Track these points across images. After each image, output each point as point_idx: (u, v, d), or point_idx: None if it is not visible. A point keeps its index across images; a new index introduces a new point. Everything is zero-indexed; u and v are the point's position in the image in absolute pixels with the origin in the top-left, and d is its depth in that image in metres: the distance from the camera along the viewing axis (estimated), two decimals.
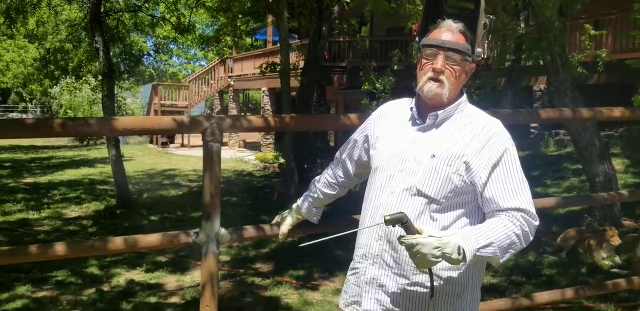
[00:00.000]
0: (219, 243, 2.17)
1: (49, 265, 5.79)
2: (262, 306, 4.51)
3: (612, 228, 5.20)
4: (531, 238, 1.81)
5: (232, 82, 21.41)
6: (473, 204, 1.87)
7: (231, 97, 21.73)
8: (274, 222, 2.33)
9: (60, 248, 1.93)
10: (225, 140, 22.75)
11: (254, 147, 20.39)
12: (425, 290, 1.85)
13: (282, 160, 12.61)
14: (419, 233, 1.66)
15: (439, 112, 1.87)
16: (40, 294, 4.92)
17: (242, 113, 21.19)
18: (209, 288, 2.14)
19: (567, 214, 6.62)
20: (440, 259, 1.66)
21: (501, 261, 1.78)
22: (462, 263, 1.69)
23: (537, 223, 1.81)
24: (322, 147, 12.97)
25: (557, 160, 9.39)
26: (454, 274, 1.85)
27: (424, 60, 1.88)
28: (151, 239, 2.10)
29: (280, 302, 4.61)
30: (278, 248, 6.42)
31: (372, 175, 2.01)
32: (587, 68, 7.33)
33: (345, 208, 2.54)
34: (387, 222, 1.64)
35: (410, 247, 1.65)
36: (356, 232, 1.99)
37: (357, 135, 2.12)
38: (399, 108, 2.02)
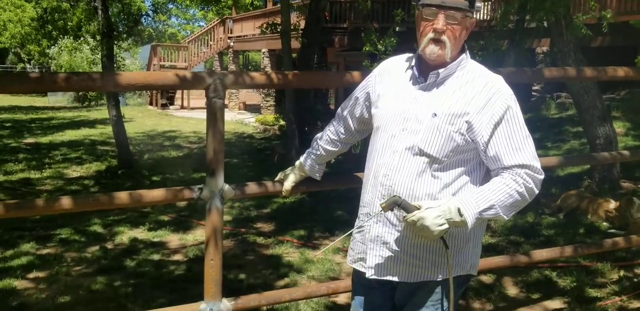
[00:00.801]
0: (223, 199, 2.19)
1: (52, 223, 5.87)
2: (264, 264, 4.59)
3: (607, 200, 5.26)
4: (536, 192, 1.83)
5: (231, 43, 21.14)
6: (474, 161, 1.88)
7: (231, 58, 21.50)
8: (276, 178, 2.35)
9: (66, 202, 1.95)
10: (225, 102, 22.66)
11: (254, 109, 20.32)
12: (427, 245, 1.88)
13: (282, 123, 12.57)
14: (417, 209, 1.72)
15: (440, 71, 1.85)
16: (45, 251, 5.00)
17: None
18: (213, 242, 2.18)
19: (567, 176, 6.66)
20: (445, 226, 1.71)
21: (506, 218, 1.81)
22: (469, 227, 1.73)
23: (542, 177, 1.83)
24: (323, 110, 12.92)
25: (558, 123, 9.38)
26: (456, 229, 1.87)
27: (423, 22, 1.86)
28: (156, 194, 2.12)
29: (281, 260, 4.69)
30: (279, 208, 6.49)
31: (374, 134, 2.01)
32: (591, 30, 7.23)
33: (348, 168, 2.55)
34: (384, 209, 1.74)
35: (414, 224, 1.71)
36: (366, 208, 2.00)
37: (358, 92, 2.11)
38: (400, 66, 2.00)
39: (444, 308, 1.94)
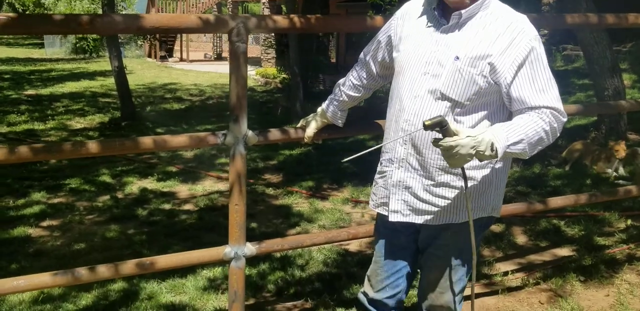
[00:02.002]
0: (247, 145, 2.19)
1: (60, 173, 5.91)
2: (275, 214, 4.65)
3: (618, 142, 5.25)
4: (558, 134, 1.83)
5: None
6: (497, 104, 1.86)
7: (230, 9, 21.06)
8: (298, 125, 2.34)
9: (93, 145, 1.95)
10: (225, 54, 22.34)
11: (254, 62, 20.03)
12: (449, 189, 1.90)
13: (283, 75, 12.45)
14: (455, 134, 1.66)
15: (462, 11, 1.80)
16: (56, 200, 5.05)
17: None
18: (237, 187, 2.19)
19: (573, 128, 6.66)
20: (473, 157, 1.69)
21: (527, 157, 1.80)
22: (493, 159, 1.72)
23: (565, 119, 1.82)
24: (325, 62, 12.77)
25: (564, 75, 9.27)
26: (479, 172, 1.89)
27: None
28: (180, 140, 2.12)
29: (291, 210, 4.74)
30: (285, 160, 6.51)
31: (395, 79, 1.98)
32: None
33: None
34: (426, 127, 1.64)
35: (448, 149, 1.66)
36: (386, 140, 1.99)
37: (380, 36, 2.07)
38: (422, 8, 1.94)
39: (466, 250, 1.98)
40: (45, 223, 4.43)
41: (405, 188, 1.95)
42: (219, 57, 22.72)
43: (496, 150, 1.66)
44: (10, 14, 1.73)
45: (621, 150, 5.11)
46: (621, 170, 5.21)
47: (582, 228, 4.07)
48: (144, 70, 17.82)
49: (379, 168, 2.08)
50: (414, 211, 1.95)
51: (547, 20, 2.45)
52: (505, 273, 3.39)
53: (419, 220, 1.96)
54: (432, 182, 1.91)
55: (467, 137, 1.64)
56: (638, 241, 3.78)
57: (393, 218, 1.99)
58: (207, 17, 2.01)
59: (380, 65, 2.10)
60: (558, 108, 1.79)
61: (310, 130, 2.29)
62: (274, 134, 2.25)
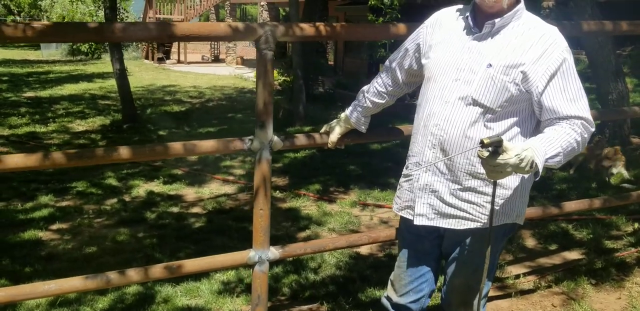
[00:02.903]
0: (272, 150, 2.21)
1: (66, 176, 5.90)
2: (283, 217, 4.67)
3: (615, 149, 5.33)
4: (586, 144, 1.88)
5: None
6: (526, 112, 1.89)
7: (228, 11, 21.08)
8: (322, 130, 2.37)
9: (124, 151, 1.97)
10: (222, 56, 22.35)
11: (252, 64, 20.07)
12: (476, 194, 1.93)
13: (284, 78, 12.47)
14: (505, 152, 1.65)
15: (496, 20, 1.84)
16: (64, 203, 5.06)
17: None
18: (262, 192, 2.21)
19: None
20: (512, 174, 1.70)
21: (557, 167, 1.84)
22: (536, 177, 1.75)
23: (593, 129, 1.86)
24: (325, 65, 12.81)
25: None
26: (505, 179, 1.90)
27: None
28: (208, 145, 2.15)
29: (300, 213, 4.76)
30: (291, 163, 6.53)
31: (424, 85, 2.02)
32: None
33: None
34: (484, 145, 1.62)
35: (496, 166, 1.66)
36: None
37: (408, 44, 2.11)
38: (453, 16, 1.98)
39: (489, 256, 2.01)
40: (55, 227, 4.43)
41: (432, 192, 1.98)
42: (216, 59, 22.72)
43: (536, 166, 1.69)
44: (46, 22, 1.75)
45: (619, 154, 5.21)
46: (625, 174, 5.26)
47: (590, 231, 4.11)
48: (141, 72, 17.80)
49: (404, 172, 2.10)
50: (439, 215, 1.98)
51: (565, 27, 2.49)
52: (517, 276, 3.42)
53: (444, 224, 1.99)
54: (459, 187, 1.94)
55: (515, 156, 1.64)
56: None
57: (418, 221, 2.02)
58: (236, 25, 2.03)
59: (406, 73, 2.13)
60: (588, 119, 1.83)
61: (334, 136, 2.31)
62: (300, 140, 2.28)
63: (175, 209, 4.92)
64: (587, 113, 1.84)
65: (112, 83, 12.35)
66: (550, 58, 1.81)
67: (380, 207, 4.89)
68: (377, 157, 6.56)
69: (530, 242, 4.02)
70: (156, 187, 5.60)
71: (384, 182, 5.48)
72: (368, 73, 13.29)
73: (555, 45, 1.83)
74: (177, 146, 2.05)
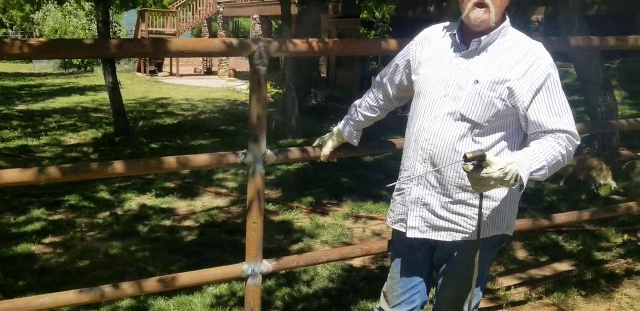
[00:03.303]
0: (265, 163, 2.24)
1: (58, 189, 5.89)
2: (276, 230, 4.68)
3: (598, 160, 5.41)
4: (572, 157, 1.91)
5: (221, 9, 20.81)
6: (514, 126, 1.94)
7: (220, 24, 21.20)
8: (315, 144, 2.40)
9: (118, 166, 1.99)
10: (214, 69, 22.43)
11: (244, 76, 20.15)
12: (466, 207, 1.97)
13: (276, 90, 12.53)
14: (489, 166, 1.70)
15: (482, 38, 1.89)
16: (56, 217, 5.04)
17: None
18: (255, 206, 2.24)
19: None
20: (498, 186, 1.75)
21: (543, 179, 1.88)
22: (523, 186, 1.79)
23: (578, 142, 1.90)
24: (317, 78, 12.89)
25: None
26: (495, 191, 1.95)
27: None
28: (202, 159, 2.17)
29: (293, 226, 4.78)
30: (283, 175, 6.56)
31: (414, 100, 2.06)
32: None
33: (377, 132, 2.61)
34: (467, 159, 1.68)
35: (481, 179, 1.71)
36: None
37: (398, 60, 2.15)
38: (441, 34, 2.03)
39: (480, 267, 2.04)
40: (47, 240, 4.42)
41: (424, 205, 2.01)
42: (208, 72, 22.80)
43: (520, 180, 1.73)
44: (42, 39, 1.79)
45: (603, 165, 5.29)
46: (614, 185, 5.32)
47: (580, 243, 4.15)
48: (134, 85, 17.82)
49: (397, 186, 2.13)
50: (431, 227, 2.01)
51: (553, 43, 2.55)
52: (508, 288, 3.45)
53: (435, 236, 2.02)
54: (450, 200, 1.97)
55: (499, 169, 1.69)
56: (636, 256, 3.86)
57: (411, 234, 2.05)
58: (230, 41, 2.07)
59: (397, 88, 2.17)
60: (573, 132, 1.87)
61: (327, 149, 2.35)
62: (293, 153, 2.31)
63: (167, 222, 4.92)
64: (572, 127, 1.88)
65: (104, 96, 12.35)
66: (535, 73, 1.86)
67: (372, 218, 4.92)
68: (370, 169, 6.60)
69: (521, 254, 4.06)
70: (148, 200, 5.60)
71: (376, 194, 5.51)
72: (360, 86, 13.38)
73: (540, 61, 1.88)
74: (170, 160, 2.08)
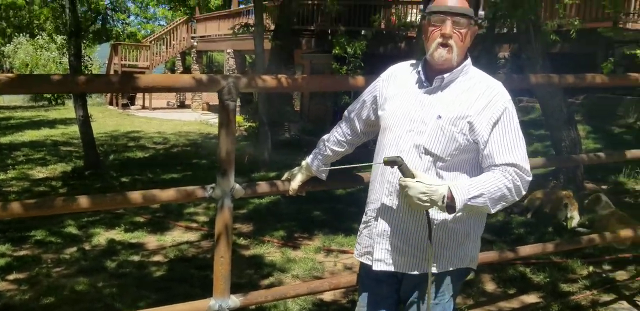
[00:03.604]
0: (234, 198, 2.26)
1: (24, 224, 5.77)
2: (247, 264, 4.64)
3: (566, 193, 5.53)
4: (523, 192, 1.96)
5: (195, 43, 21.00)
6: (475, 161, 2.00)
7: (194, 58, 21.36)
8: (284, 178, 2.43)
9: (84, 201, 1.99)
10: (188, 102, 22.46)
11: (216, 110, 20.20)
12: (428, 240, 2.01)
13: (249, 124, 12.60)
14: (412, 177, 1.84)
15: (445, 75, 1.98)
16: (22, 253, 4.93)
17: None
18: (224, 240, 2.24)
19: (534, 177, 6.89)
20: (429, 204, 1.83)
21: (492, 211, 1.93)
22: (456, 212, 1.85)
23: (529, 178, 1.96)
24: (291, 111, 13.00)
25: (521, 126, 9.66)
26: (456, 224, 2.00)
27: (431, 28, 1.97)
28: (169, 194, 2.17)
29: (263, 260, 4.75)
30: (255, 209, 6.53)
31: (381, 134, 2.12)
32: (557, 36, 7.54)
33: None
34: (384, 162, 1.88)
35: (402, 188, 1.85)
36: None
37: (366, 96, 2.22)
38: (407, 71, 2.11)
39: (446, 299, 2.07)
40: (12, 277, 4.31)
41: (389, 238, 2.04)
42: (182, 105, 22.80)
43: (452, 202, 1.82)
44: (10, 75, 1.80)
45: (571, 198, 5.41)
46: (578, 218, 5.43)
47: (547, 275, 4.20)
48: (105, 118, 17.71)
49: (364, 218, 2.17)
50: (397, 260, 2.04)
51: (514, 81, 2.66)
52: None
53: (401, 269, 2.04)
54: (415, 232, 2.01)
55: (417, 181, 1.82)
56: (600, 288, 3.93)
57: (377, 267, 2.07)
58: (199, 77, 2.11)
59: (364, 123, 2.23)
60: (522, 167, 1.92)
61: (295, 183, 2.37)
62: (262, 187, 2.33)
63: (136, 257, 4.84)
64: (522, 161, 1.94)
65: (74, 129, 12.23)
66: (493, 108, 1.94)
67: (344, 252, 4.91)
68: (342, 202, 6.62)
69: (490, 286, 4.09)
70: (117, 234, 5.52)
71: (347, 227, 5.52)
72: (333, 119, 13.52)
73: (498, 96, 1.96)
74: (136, 195, 2.08)
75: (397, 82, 2.11)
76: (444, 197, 1.82)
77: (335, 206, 6.46)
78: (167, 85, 2.03)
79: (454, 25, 1.93)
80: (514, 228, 5.48)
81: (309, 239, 5.36)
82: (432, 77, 2.00)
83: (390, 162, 1.88)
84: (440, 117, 1.95)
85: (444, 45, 1.94)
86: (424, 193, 1.81)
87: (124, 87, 1.97)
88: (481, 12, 2.01)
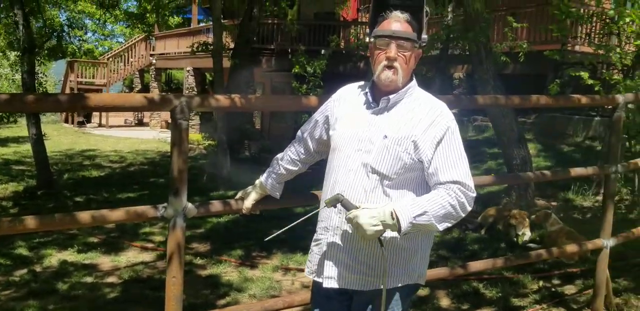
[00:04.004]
0: (186, 217, 2.25)
1: None
2: (203, 284, 4.60)
3: (519, 212, 5.69)
4: (468, 209, 2.01)
5: (154, 61, 20.83)
6: (421, 179, 2.06)
7: (153, 76, 21.14)
8: (237, 197, 2.44)
9: (31, 221, 1.96)
10: (146, 120, 22.17)
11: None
12: (379, 256, 2.04)
13: (209, 142, 12.52)
14: (356, 208, 1.90)
15: (390, 97, 2.06)
16: None
17: (165, 93, 20.71)
18: (176, 260, 2.23)
19: (487, 194, 7.08)
20: (380, 227, 1.88)
21: (440, 229, 1.98)
22: (402, 231, 1.90)
23: (473, 195, 2.02)
24: (251, 129, 13.00)
25: (475, 144, 9.93)
26: (405, 242, 2.05)
27: (377, 51, 2.06)
28: (118, 214, 2.16)
29: (220, 280, 4.71)
30: (213, 228, 6.48)
31: (331, 154, 2.17)
32: (507, 58, 7.81)
33: (306, 184, 2.68)
34: (327, 204, 1.92)
35: (350, 221, 1.89)
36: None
37: (318, 116, 2.27)
38: (356, 92, 2.18)
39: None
40: None
41: (339, 255, 2.08)
42: (140, 123, 22.48)
43: (397, 219, 1.87)
44: None
45: (522, 218, 5.58)
46: (529, 234, 5.57)
47: (499, 290, 4.29)
48: (60, 136, 17.33)
49: (315, 236, 2.20)
50: (346, 277, 2.07)
51: (463, 101, 2.75)
52: None
53: (351, 286, 2.08)
54: (364, 249, 2.05)
55: (363, 209, 1.88)
56: (550, 302, 4.03)
57: (327, 284, 2.10)
58: (151, 96, 2.13)
59: (316, 142, 2.27)
60: (466, 184, 1.99)
61: (249, 202, 2.39)
62: (215, 206, 2.33)
63: (89, 279, 4.74)
64: (465, 178, 2.00)
65: (27, 147, 11.92)
66: (436, 127, 2.01)
67: (302, 270, 4.88)
68: (306, 222, 6.61)
69: (444, 302, 4.15)
70: (70, 255, 5.39)
71: (306, 246, 5.43)
72: (293, 137, 13.42)
73: (441, 116, 2.04)
74: (85, 216, 2.06)
75: (347, 102, 2.17)
76: (391, 213, 1.87)
77: (297, 225, 6.45)
78: (117, 104, 2.03)
79: (399, 48, 2.01)
80: (468, 245, 5.58)
81: (267, 258, 5.34)
82: (379, 98, 2.07)
83: (332, 202, 1.93)
84: (386, 136, 2.02)
85: (390, 67, 2.01)
86: (373, 216, 1.86)
87: (74, 107, 1.96)
88: (424, 36, 2.10)
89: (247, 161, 11.74)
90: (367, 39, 2.11)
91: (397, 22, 2.03)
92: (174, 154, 2.21)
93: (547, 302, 4.04)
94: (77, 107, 1.96)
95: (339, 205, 1.96)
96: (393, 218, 1.87)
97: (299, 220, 2.07)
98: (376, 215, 1.86)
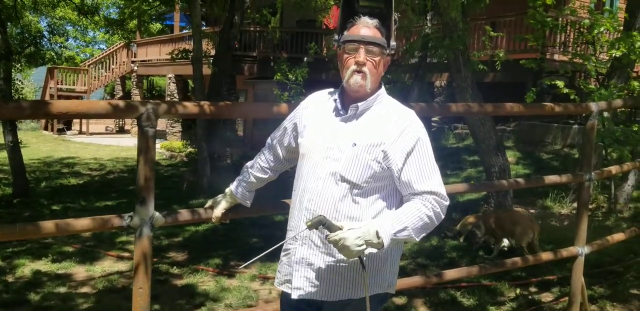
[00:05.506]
0: (153, 227, 2.21)
1: None
2: (179, 294, 4.53)
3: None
4: (442, 216, 2.01)
5: (135, 68, 20.70)
6: (390, 187, 2.05)
7: (134, 82, 21.01)
8: (207, 205, 2.40)
9: None
10: (127, 127, 21.99)
11: (159, 135, 19.79)
12: (349, 266, 2.02)
13: (190, 149, 12.43)
14: (340, 229, 1.86)
15: (359, 104, 2.04)
16: None
17: (147, 100, 20.54)
18: (142, 271, 2.18)
19: (466, 202, 7.10)
20: (364, 247, 1.85)
21: (417, 240, 1.98)
22: (384, 248, 1.88)
23: (447, 203, 2.02)
24: (233, 137, 12.92)
25: (456, 152, 9.98)
26: (374, 251, 2.02)
27: (345, 56, 2.04)
28: (84, 223, 2.11)
29: (197, 289, 4.64)
30: (191, 237, 6.41)
31: (300, 161, 2.14)
32: (485, 66, 7.87)
33: (275, 192, 2.65)
34: (309, 227, 1.86)
35: (335, 243, 1.85)
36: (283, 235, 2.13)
37: (286, 123, 2.25)
38: (325, 99, 2.16)
39: None
40: None
41: (308, 265, 2.05)
42: (121, 130, 22.29)
43: (382, 238, 1.84)
44: None
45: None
46: (507, 242, 5.58)
47: (477, 298, 4.28)
48: (39, 144, 17.13)
49: (284, 246, 2.17)
50: (315, 287, 2.04)
51: (435, 109, 2.74)
52: None
53: (320, 296, 2.05)
54: (333, 259, 2.02)
55: (349, 230, 1.84)
56: (527, 309, 4.03)
57: (295, 294, 2.07)
58: (116, 103, 2.08)
59: (286, 150, 2.24)
60: (440, 193, 1.99)
61: (219, 211, 2.35)
62: (183, 215, 2.29)
63: (62, 289, 4.65)
64: (439, 188, 2.00)
65: (3, 155, 11.77)
66: (406, 137, 1.99)
67: None
68: (280, 229, 6.49)
69: (422, 310, 4.13)
70: (44, 265, 5.29)
71: None
72: None
73: (410, 127, 2.02)
74: (49, 225, 2.01)
75: (316, 109, 2.15)
76: (376, 232, 1.84)
77: (274, 232, 6.37)
78: (81, 111, 1.99)
79: (367, 53, 2.00)
80: (447, 252, 5.57)
81: (245, 267, 5.28)
82: (349, 105, 2.05)
83: (315, 224, 1.86)
84: (355, 144, 2.00)
85: (359, 71, 1.99)
86: (358, 237, 1.83)
87: (36, 113, 1.91)
88: (393, 43, 2.08)
89: (229, 168, 11.64)
90: (335, 45, 2.09)
91: (365, 27, 2.01)
92: (141, 162, 2.17)
93: (524, 310, 4.03)
94: (39, 113, 1.92)
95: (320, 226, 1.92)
96: (378, 237, 1.84)
97: (273, 247, 2.03)
98: (361, 235, 1.83)
